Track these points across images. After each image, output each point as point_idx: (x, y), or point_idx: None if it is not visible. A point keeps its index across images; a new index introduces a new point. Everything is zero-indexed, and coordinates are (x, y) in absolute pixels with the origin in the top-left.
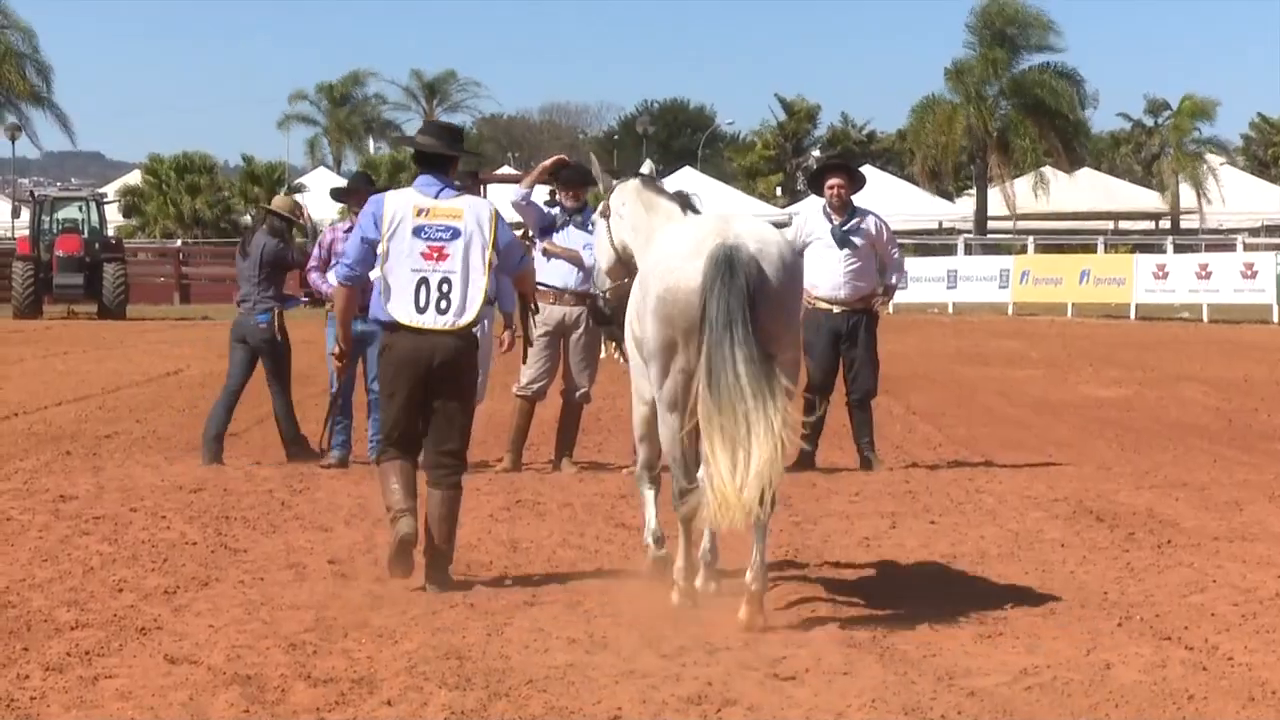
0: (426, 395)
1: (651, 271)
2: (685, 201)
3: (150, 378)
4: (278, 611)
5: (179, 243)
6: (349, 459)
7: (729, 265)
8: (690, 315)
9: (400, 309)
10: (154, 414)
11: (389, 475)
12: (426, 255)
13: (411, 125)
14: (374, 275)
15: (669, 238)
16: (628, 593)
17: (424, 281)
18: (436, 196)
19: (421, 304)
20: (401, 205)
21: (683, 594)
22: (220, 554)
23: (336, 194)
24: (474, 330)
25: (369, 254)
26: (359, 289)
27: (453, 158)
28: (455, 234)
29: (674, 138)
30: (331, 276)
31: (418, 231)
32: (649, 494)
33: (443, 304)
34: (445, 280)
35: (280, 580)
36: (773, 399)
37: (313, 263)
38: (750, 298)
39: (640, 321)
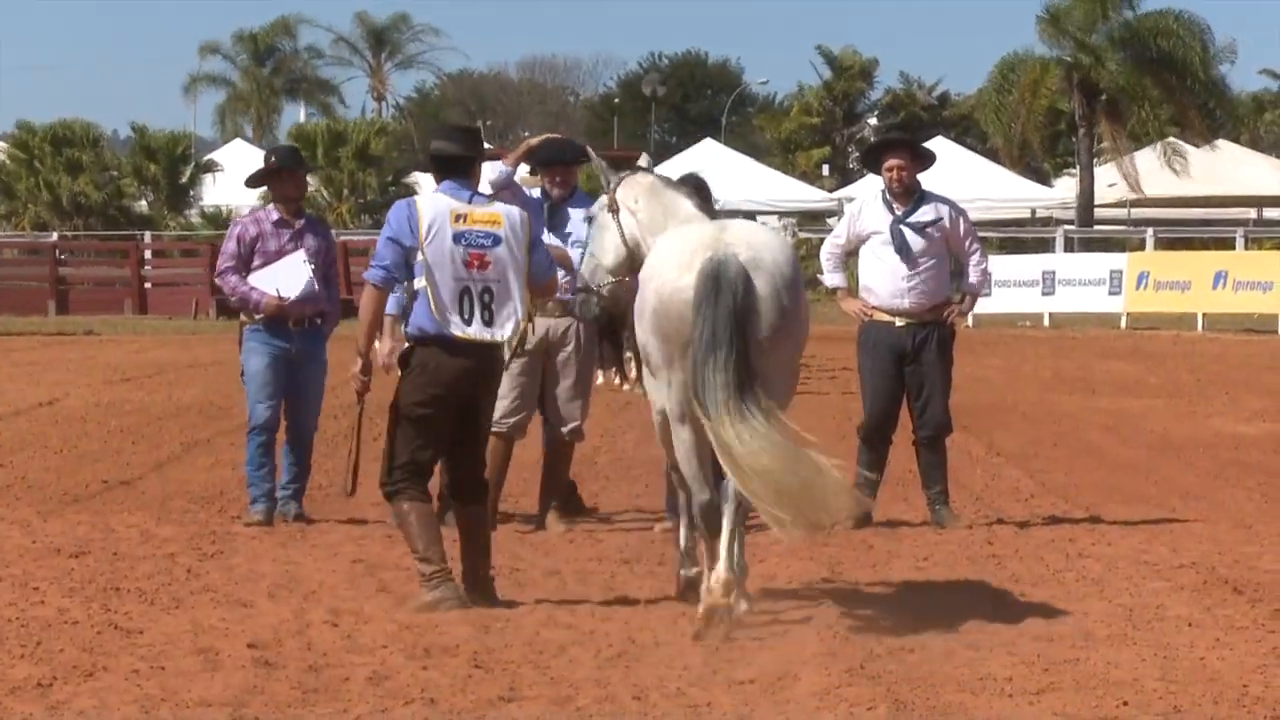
0: (460, 417)
1: (647, 283)
2: (703, 200)
3: (17, 410)
4: (182, 710)
5: (54, 236)
6: (274, 514)
7: (715, 283)
8: (684, 331)
9: (450, 321)
10: (22, 456)
11: (420, 522)
12: (469, 264)
13: (353, 84)
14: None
15: (663, 248)
16: (631, 685)
17: (466, 291)
18: (470, 202)
19: (466, 315)
20: (439, 210)
21: (710, 610)
22: (109, 636)
23: (256, 180)
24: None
25: (404, 259)
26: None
27: (472, 161)
28: (496, 240)
29: (690, 101)
30: (259, 279)
31: (457, 238)
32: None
33: (485, 315)
34: (487, 290)
35: (185, 670)
36: (759, 417)
37: (226, 262)
38: (738, 315)
39: (642, 329)
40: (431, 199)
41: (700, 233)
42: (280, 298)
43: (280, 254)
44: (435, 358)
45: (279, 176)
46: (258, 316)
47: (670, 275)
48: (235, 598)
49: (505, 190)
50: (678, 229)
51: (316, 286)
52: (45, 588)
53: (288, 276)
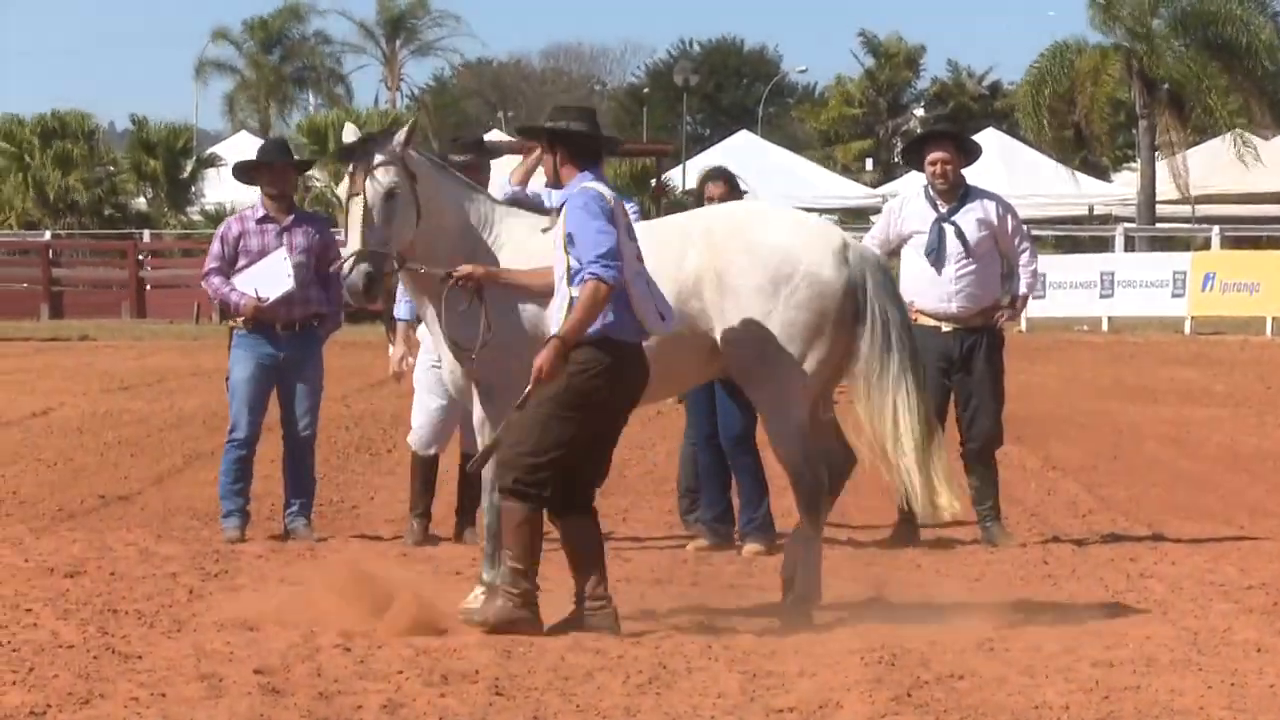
0: (616, 422)
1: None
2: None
3: (8, 420)
4: None
5: (47, 235)
6: (246, 530)
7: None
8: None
9: (646, 319)
10: (14, 470)
11: (536, 534)
12: (639, 259)
13: (365, 72)
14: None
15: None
16: (662, 713)
17: (650, 286)
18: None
19: (650, 314)
20: (611, 200)
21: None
22: (106, 661)
23: (242, 171)
24: None
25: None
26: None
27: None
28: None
29: (724, 90)
30: (241, 280)
31: (630, 232)
32: None
33: (661, 313)
34: (650, 285)
35: (188, 697)
36: None
37: (210, 263)
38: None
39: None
40: (599, 188)
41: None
42: (259, 299)
43: (263, 253)
44: (616, 357)
45: (264, 170)
46: (241, 320)
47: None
48: (241, 620)
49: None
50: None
51: (295, 286)
52: (38, 609)
53: (267, 276)
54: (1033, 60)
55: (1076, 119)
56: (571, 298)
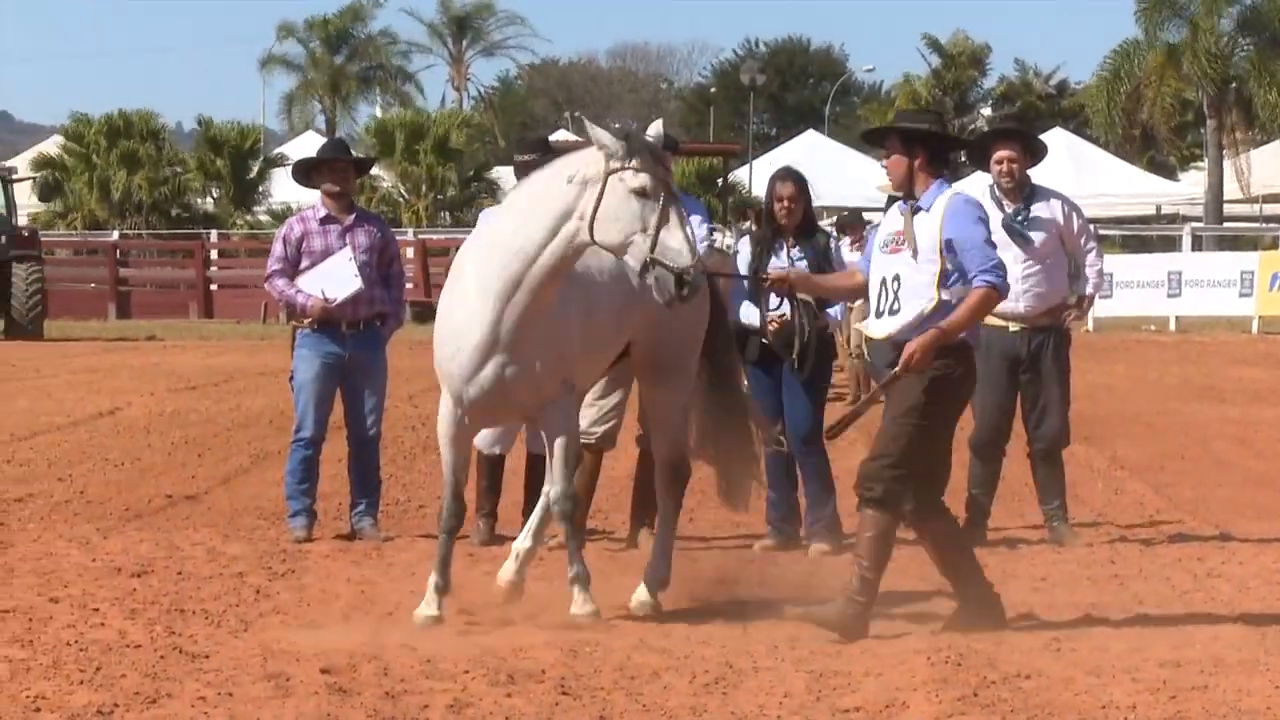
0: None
1: None
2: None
3: (76, 420)
4: None
5: (115, 235)
6: (314, 529)
7: None
8: None
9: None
10: (82, 469)
11: (889, 545)
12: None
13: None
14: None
15: None
16: (729, 713)
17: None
18: None
19: None
20: None
21: None
22: (173, 660)
23: (301, 173)
24: None
25: None
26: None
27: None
28: None
29: (790, 90)
30: (306, 281)
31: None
32: None
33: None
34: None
35: (254, 696)
36: None
37: (273, 264)
38: None
39: None
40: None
41: None
42: (326, 300)
43: (327, 253)
44: (969, 361)
45: (324, 169)
46: (306, 321)
47: None
48: (307, 620)
49: None
50: None
51: (363, 286)
52: (106, 609)
53: (333, 277)
54: (1104, 57)
55: (1143, 117)
56: (942, 300)
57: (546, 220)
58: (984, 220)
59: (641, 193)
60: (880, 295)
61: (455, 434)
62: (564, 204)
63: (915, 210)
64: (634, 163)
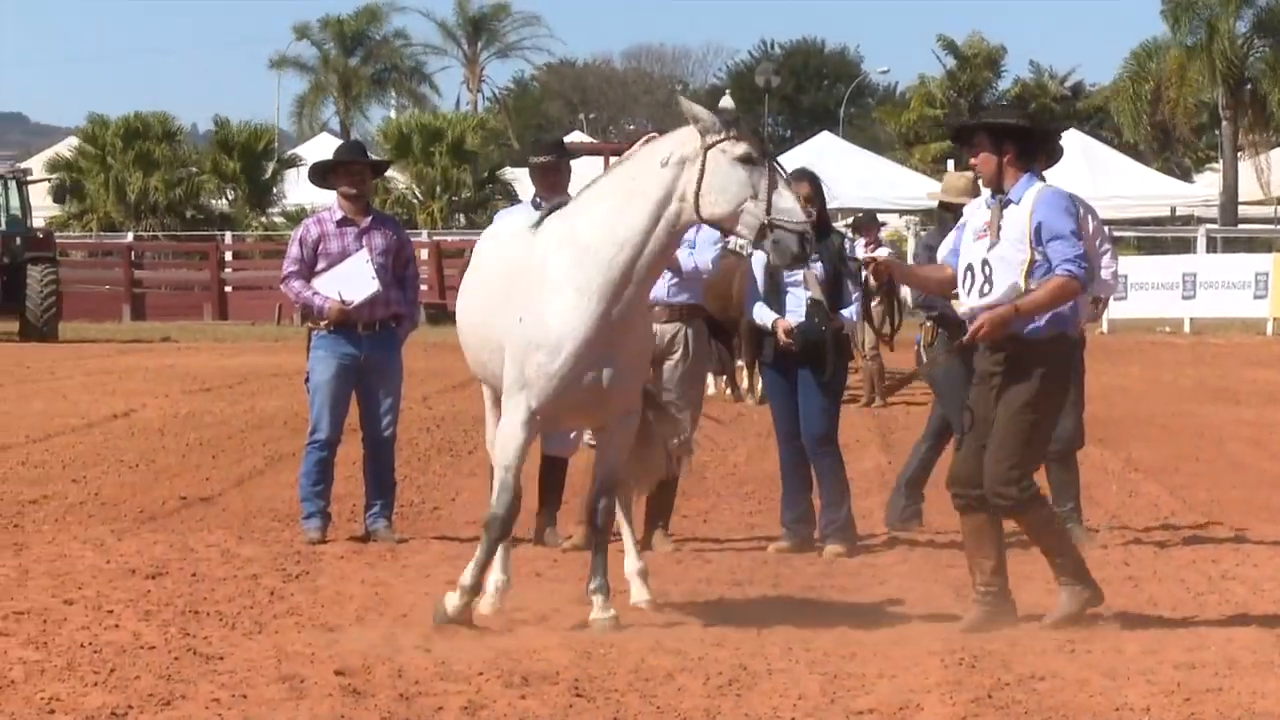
0: None
1: None
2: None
3: (91, 422)
4: None
5: (130, 237)
6: (328, 531)
7: None
8: None
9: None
10: (96, 471)
11: (1065, 534)
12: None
13: (447, 74)
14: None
15: None
16: (743, 715)
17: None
18: None
19: None
20: None
21: None
22: (187, 662)
23: (318, 175)
24: None
25: None
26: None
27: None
28: None
29: (805, 92)
30: (322, 283)
31: None
32: None
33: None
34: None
35: (269, 698)
36: None
37: (289, 266)
38: None
39: None
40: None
41: None
42: (343, 302)
43: (343, 255)
44: (1071, 351)
45: (340, 171)
46: (323, 323)
47: None
48: (321, 621)
49: None
50: None
51: (380, 287)
52: (120, 611)
53: (351, 279)
54: (1125, 57)
55: (1161, 118)
56: (1029, 290)
57: (647, 206)
58: (1072, 213)
59: (747, 160)
60: (968, 280)
61: (527, 441)
62: (663, 187)
63: (1005, 204)
64: (732, 133)
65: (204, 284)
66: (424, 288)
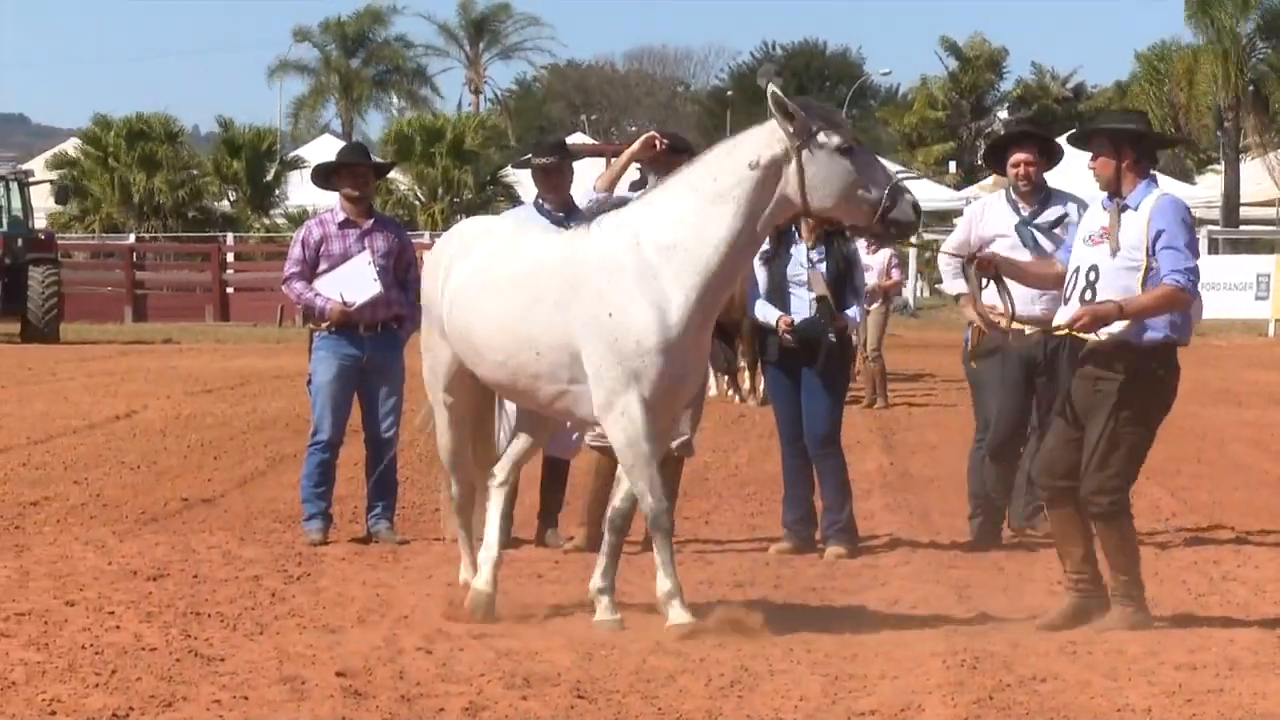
0: None
1: None
2: None
3: (92, 423)
4: None
5: (131, 238)
6: (329, 532)
7: None
8: None
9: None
10: (98, 473)
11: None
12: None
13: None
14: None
15: None
16: (744, 716)
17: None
18: None
19: None
20: None
21: None
22: (188, 663)
23: (320, 176)
24: None
25: None
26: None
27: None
28: None
29: (807, 93)
30: (324, 284)
31: None
32: None
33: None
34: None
35: (270, 699)
36: None
37: (291, 267)
38: None
39: None
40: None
41: None
42: (345, 303)
43: (345, 257)
44: (1177, 362)
45: (343, 173)
46: (324, 324)
47: None
48: (323, 623)
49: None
50: None
51: (382, 289)
52: (122, 612)
53: (353, 280)
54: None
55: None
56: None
57: (740, 209)
58: (1189, 224)
59: (846, 150)
60: (1073, 283)
61: (654, 434)
62: (758, 189)
63: (1123, 208)
64: (821, 125)
65: (206, 285)
66: None
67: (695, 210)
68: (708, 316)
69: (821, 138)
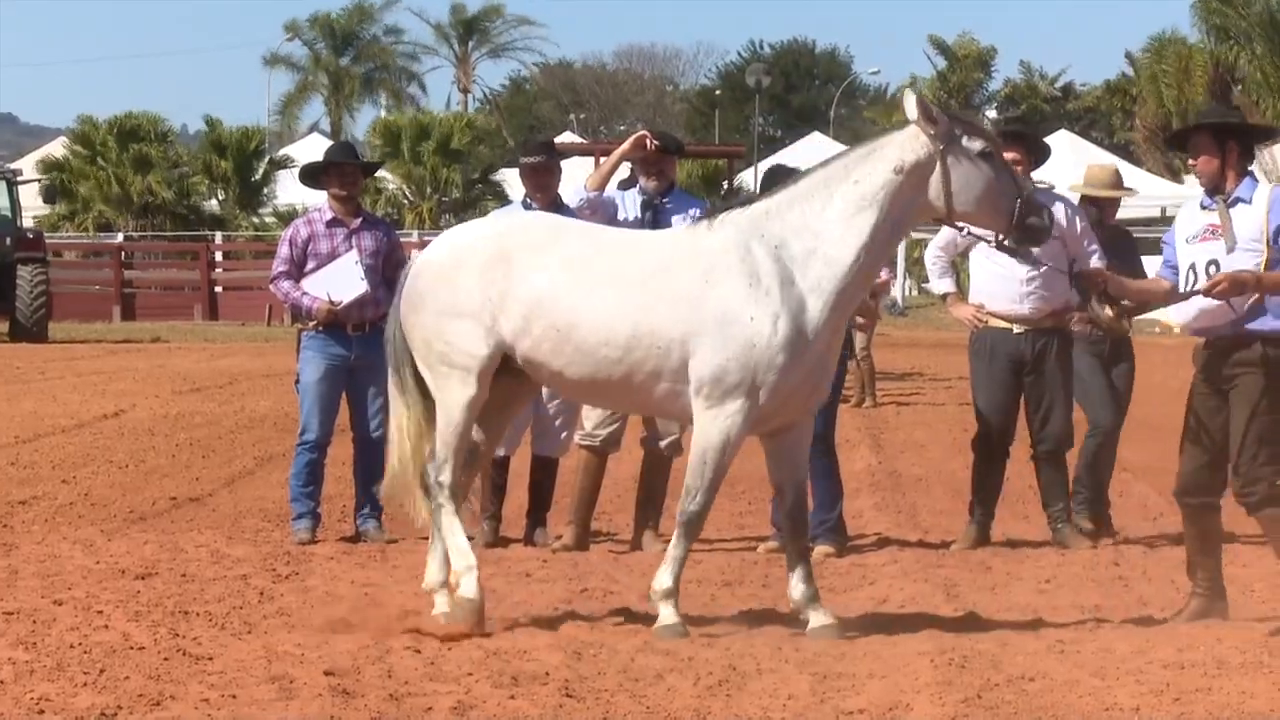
0: None
1: None
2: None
3: (81, 422)
4: None
5: (120, 237)
6: (318, 530)
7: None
8: None
9: None
10: (86, 472)
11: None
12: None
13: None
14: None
15: None
16: (733, 715)
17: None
18: None
19: None
20: None
21: None
22: (177, 662)
23: (309, 175)
24: None
25: None
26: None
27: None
28: None
29: (795, 92)
30: (311, 284)
31: None
32: None
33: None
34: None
35: (258, 698)
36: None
37: (279, 266)
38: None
39: None
40: None
41: None
42: (332, 302)
43: (333, 256)
44: None
45: (332, 172)
46: (312, 323)
47: None
48: (311, 622)
49: (588, 211)
50: None
51: (369, 288)
52: (110, 611)
53: (340, 279)
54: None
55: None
56: None
57: (883, 214)
58: None
59: (987, 155)
60: (1191, 280)
61: (740, 444)
62: (900, 193)
63: (1233, 203)
64: (963, 128)
65: (194, 284)
66: None
67: (837, 215)
68: (840, 323)
69: (965, 142)
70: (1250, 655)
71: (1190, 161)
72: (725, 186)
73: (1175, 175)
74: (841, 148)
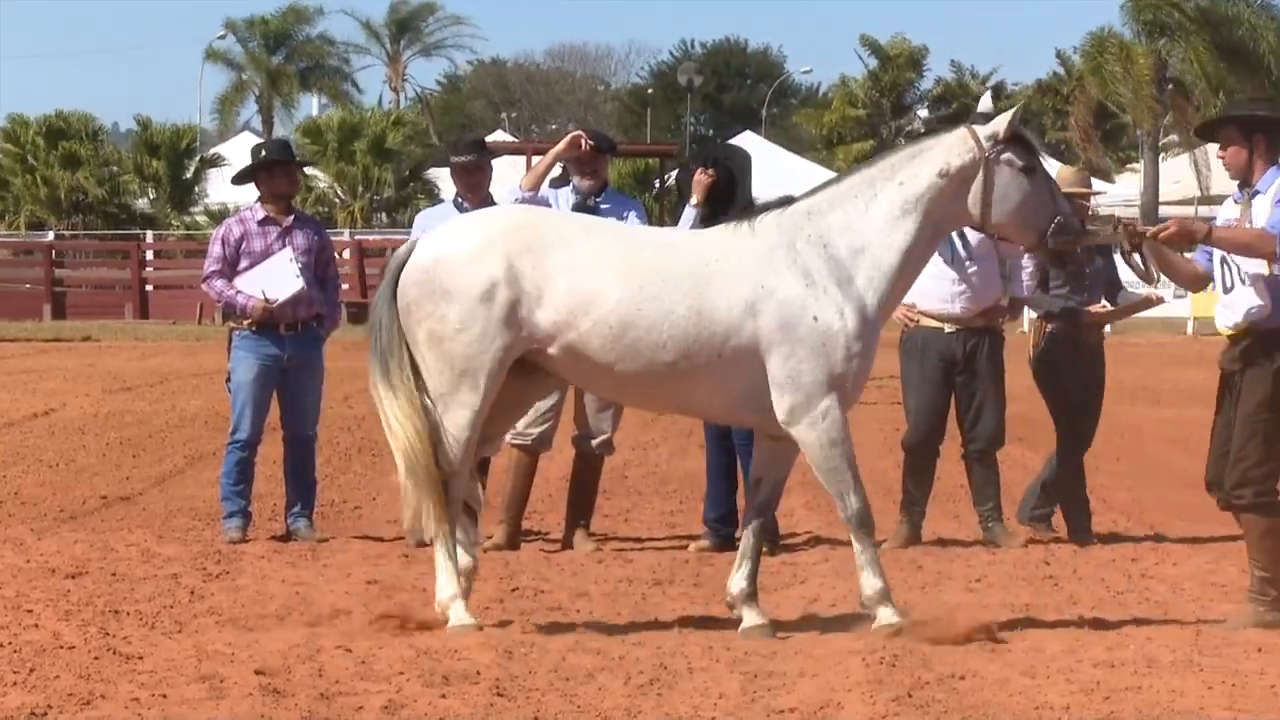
0: None
1: None
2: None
3: (10, 421)
4: None
5: (51, 235)
6: (248, 530)
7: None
8: None
9: None
10: (16, 471)
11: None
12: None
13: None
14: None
15: None
16: (663, 714)
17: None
18: None
19: None
20: None
21: None
22: (107, 662)
23: (245, 175)
24: None
25: None
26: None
27: None
28: None
29: (727, 91)
30: (245, 282)
31: None
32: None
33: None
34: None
35: (189, 698)
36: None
37: (211, 265)
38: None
39: None
40: None
41: None
42: (267, 300)
43: (266, 254)
44: None
45: (269, 171)
46: (246, 322)
47: None
48: (241, 621)
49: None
50: None
51: (305, 286)
52: (40, 610)
53: (274, 278)
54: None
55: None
56: (1274, 272)
57: (930, 216)
58: None
59: (1030, 169)
60: (1223, 274)
61: (849, 433)
62: (942, 198)
63: (1253, 195)
64: (1005, 144)
65: (125, 283)
66: (344, 287)
67: (883, 215)
68: (886, 320)
69: (1011, 156)
70: (1181, 653)
71: (1219, 153)
72: (657, 186)
73: (1107, 174)
74: (773, 147)
